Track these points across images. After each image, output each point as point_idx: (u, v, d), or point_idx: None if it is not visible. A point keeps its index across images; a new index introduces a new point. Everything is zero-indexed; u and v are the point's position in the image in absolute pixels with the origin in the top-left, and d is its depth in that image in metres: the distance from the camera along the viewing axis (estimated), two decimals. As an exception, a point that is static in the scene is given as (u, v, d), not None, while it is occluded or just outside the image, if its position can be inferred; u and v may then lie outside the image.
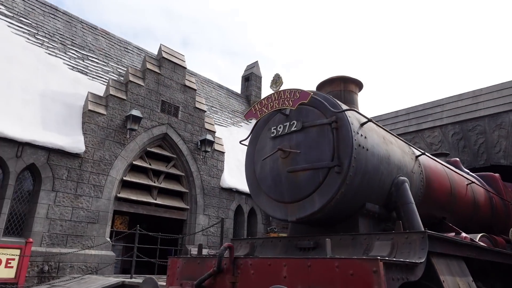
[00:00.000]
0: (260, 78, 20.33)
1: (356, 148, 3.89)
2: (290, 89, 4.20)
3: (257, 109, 4.58)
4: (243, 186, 13.76)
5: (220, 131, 14.74)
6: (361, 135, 4.07)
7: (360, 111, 4.51)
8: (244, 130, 17.16)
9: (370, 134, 4.27)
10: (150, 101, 11.57)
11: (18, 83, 9.53)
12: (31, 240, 7.99)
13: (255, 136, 4.97)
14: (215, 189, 12.81)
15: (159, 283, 6.16)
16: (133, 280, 6.85)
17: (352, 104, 4.90)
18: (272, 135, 4.58)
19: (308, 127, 4.23)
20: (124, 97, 10.89)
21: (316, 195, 3.99)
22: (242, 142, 5.23)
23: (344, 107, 4.31)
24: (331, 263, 2.77)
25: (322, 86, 5.24)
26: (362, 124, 4.21)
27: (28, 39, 10.91)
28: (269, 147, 4.61)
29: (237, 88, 21.28)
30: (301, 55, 70.00)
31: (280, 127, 4.54)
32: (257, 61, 20.48)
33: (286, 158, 4.34)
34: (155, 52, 14.40)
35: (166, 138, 11.88)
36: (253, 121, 16.69)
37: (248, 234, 13.62)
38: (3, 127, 8.24)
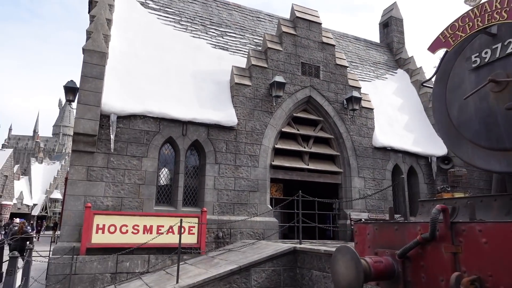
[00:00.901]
0: (401, 20, 17.84)
1: None
2: (505, -6, 3.03)
3: (448, 35, 3.53)
4: (399, 144, 12.38)
5: (364, 87, 13.48)
6: None
7: None
8: (390, 82, 15.42)
9: None
10: (290, 65, 11.19)
11: (173, 68, 10.32)
12: (205, 209, 8.69)
13: (444, 72, 3.91)
14: (367, 149, 11.84)
15: (323, 248, 5.85)
16: (303, 246, 6.70)
17: None
18: (474, 65, 3.48)
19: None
20: (265, 65, 10.77)
21: None
22: (424, 84, 4.24)
23: None
24: None
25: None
26: None
27: (174, 26, 11.72)
28: (469, 82, 3.54)
29: (374, 38, 19.26)
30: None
31: (485, 53, 3.40)
32: (395, 2, 17.96)
33: (501, 92, 3.22)
34: (285, 16, 13.91)
35: (311, 101, 11.40)
36: (400, 72, 14.68)
37: (409, 196, 12.31)
38: (169, 109, 9.03)
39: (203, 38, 11.95)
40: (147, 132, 8.83)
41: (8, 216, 43.69)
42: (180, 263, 6.71)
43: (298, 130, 11.06)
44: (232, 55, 12.01)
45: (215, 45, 11.99)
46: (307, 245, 7.04)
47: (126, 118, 8.60)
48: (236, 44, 12.60)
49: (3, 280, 9.48)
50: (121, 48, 9.79)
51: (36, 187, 57.39)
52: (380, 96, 14.09)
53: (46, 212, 55.49)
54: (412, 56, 16.36)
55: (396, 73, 16.23)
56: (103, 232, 7.69)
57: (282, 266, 6.57)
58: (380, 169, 11.92)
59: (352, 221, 10.36)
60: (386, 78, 15.67)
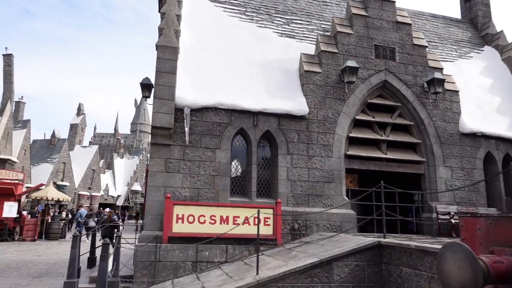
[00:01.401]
0: (488, -9, 15.90)
1: None
2: None
3: None
4: (491, 129, 11.07)
5: (446, 68, 12.24)
6: None
7: None
8: (476, 61, 13.85)
9: None
10: (362, 49, 10.53)
11: (241, 59, 10.28)
12: (279, 200, 8.55)
13: None
14: (453, 136, 10.75)
15: (414, 243, 5.29)
16: (388, 240, 6.22)
17: None
18: None
19: None
20: (336, 50, 10.25)
21: None
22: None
23: None
24: None
25: None
26: None
27: (240, 17, 11.68)
28: None
29: (454, 14, 17.41)
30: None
31: None
32: (479, -29, 16.03)
33: None
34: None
35: (386, 86, 10.63)
36: (488, 49, 13.08)
37: (506, 187, 10.95)
38: (240, 101, 9.01)
39: (269, 27, 11.75)
40: (219, 124, 8.90)
41: (97, 205, 48.28)
42: (259, 254, 6.64)
43: (373, 117, 10.39)
44: (300, 42, 11.64)
45: (281, 33, 11.72)
46: (392, 239, 6.53)
47: (198, 111, 8.76)
48: (303, 31, 12.19)
49: (97, 264, 10.33)
50: (190, 43, 9.99)
51: (119, 180, 62.61)
52: (465, 77, 12.71)
53: (129, 203, 60.33)
54: (502, 31, 14.50)
55: (482, 50, 14.54)
56: (182, 222, 7.93)
57: (366, 261, 6.17)
58: (469, 158, 10.76)
59: (439, 214, 9.50)
60: (471, 57, 14.10)
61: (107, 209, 27.70)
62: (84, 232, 15.23)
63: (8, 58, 36.48)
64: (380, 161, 10.26)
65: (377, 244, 6.19)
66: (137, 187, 64.10)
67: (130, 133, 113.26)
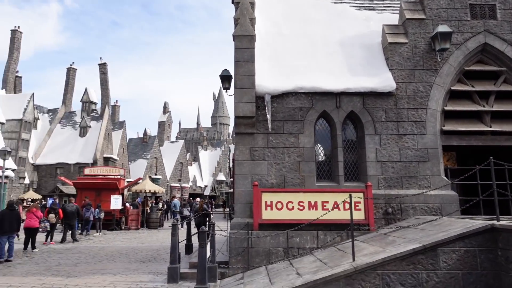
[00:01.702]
0: None
1: None
2: None
3: None
4: None
5: None
6: None
7: None
8: None
9: None
10: (455, 10, 9.36)
11: (318, 39, 9.89)
12: (369, 183, 8.11)
13: None
14: None
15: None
16: (504, 223, 5.47)
17: None
18: None
19: None
20: (423, 16, 9.28)
21: None
22: None
23: None
24: None
25: None
26: None
27: (314, -4, 11.22)
28: None
29: None
30: None
31: None
32: None
33: None
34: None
35: (487, 49, 9.34)
36: None
37: None
38: (320, 82, 8.70)
39: (346, 2, 11.10)
40: (300, 108, 8.71)
41: (187, 196, 51.82)
42: (351, 240, 6.38)
43: (472, 86, 9.23)
44: (380, 13, 10.81)
45: (359, 6, 11.01)
46: (508, 221, 5.74)
47: (279, 97, 8.66)
48: (383, 0, 11.29)
49: (193, 251, 11.00)
50: (265, 29, 9.89)
51: (204, 171, 66.33)
52: None
53: (215, 192, 63.69)
54: None
55: None
56: (271, 209, 7.98)
57: (477, 246, 5.52)
58: None
59: None
60: None
61: (198, 199, 29.51)
62: (179, 221, 16.42)
63: (103, 67, 40.66)
64: (484, 135, 9.12)
65: (489, 227, 5.49)
66: (221, 177, 67.27)
67: (211, 126, 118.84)
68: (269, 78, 8.63)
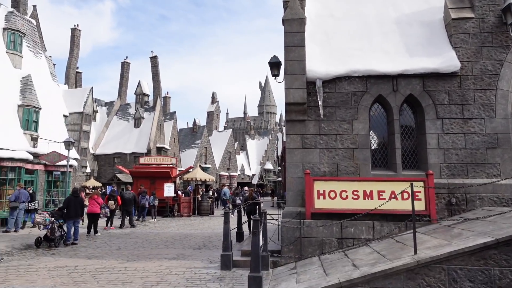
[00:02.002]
0: None
1: None
2: None
3: None
4: None
5: None
6: None
7: None
8: None
9: None
10: (531, -22, 8.33)
11: (372, 19, 9.32)
12: (430, 172, 7.56)
13: None
14: None
15: None
16: None
17: None
18: None
19: None
20: (492, -13, 8.37)
21: None
22: None
23: None
24: None
25: None
26: None
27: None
28: None
29: None
30: None
31: None
32: None
33: None
34: None
35: None
36: None
37: None
38: (375, 65, 8.21)
39: (402, -22, 10.33)
40: (354, 93, 8.29)
41: (235, 184, 52.69)
42: (411, 232, 5.98)
43: (551, 62, 8.22)
44: (441, -13, 9.93)
45: (417, -19, 10.19)
46: None
47: (331, 82, 8.30)
48: (444, -27, 10.36)
49: (244, 238, 11.07)
50: (316, 11, 9.50)
51: (252, 160, 66.92)
52: None
53: (263, 181, 64.12)
54: None
55: None
56: (324, 198, 7.74)
57: (562, 242, 4.91)
58: None
59: None
60: None
61: (246, 188, 29.85)
62: (230, 209, 16.65)
63: (154, 60, 42.07)
64: None
65: None
66: (268, 166, 67.48)
67: (257, 115, 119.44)
68: (321, 63, 8.30)
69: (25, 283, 6.62)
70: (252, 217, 6.40)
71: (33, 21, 20.86)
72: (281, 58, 8.81)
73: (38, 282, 6.66)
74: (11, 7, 19.74)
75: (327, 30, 9.02)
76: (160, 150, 40.49)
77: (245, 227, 11.49)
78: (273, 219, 8.57)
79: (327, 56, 8.48)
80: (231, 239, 7.84)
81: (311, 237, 7.63)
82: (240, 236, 11.00)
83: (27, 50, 19.31)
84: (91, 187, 31.08)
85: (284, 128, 34.50)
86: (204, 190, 29.07)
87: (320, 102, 8.10)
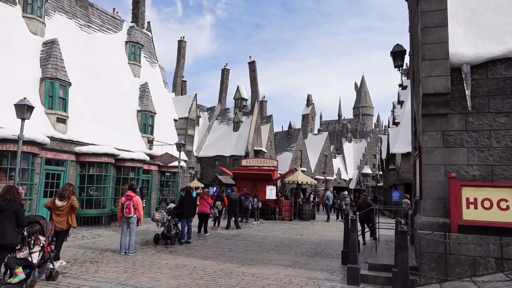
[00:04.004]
0: None
1: None
2: None
3: None
4: None
5: None
6: None
7: None
8: None
9: None
10: None
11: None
12: None
13: None
14: None
15: None
16: None
17: None
18: None
19: None
20: None
21: None
22: None
23: None
24: None
25: None
26: None
27: None
28: None
29: None
30: None
31: None
32: None
33: None
34: None
35: None
36: None
37: None
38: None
39: None
40: (512, 79, 6.68)
41: (331, 188, 50.91)
42: None
43: None
44: None
45: None
46: None
47: (481, 67, 6.83)
48: None
49: (360, 250, 10.00)
50: (454, -13, 8.04)
51: (349, 164, 64.14)
52: None
53: (360, 186, 60.85)
54: None
55: None
56: (475, 208, 6.33)
57: None
58: None
59: None
60: None
61: (345, 192, 28.30)
62: (334, 213, 15.59)
63: (252, 65, 43.00)
64: None
65: None
66: (367, 170, 63.89)
67: (353, 117, 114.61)
68: (466, 44, 6.89)
69: (151, 280, 6.65)
70: (399, 228, 5.38)
71: (149, 33, 22.70)
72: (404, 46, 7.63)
73: (163, 281, 6.63)
74: (131, 22, 21.76)
75: (471, 6, 7.51)
76: (257, 153, 41.12)
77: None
78: (389, 228, 7.34)
79: (475, 36, 7.01)
80: (355, 250, 6.91)
81: (460, 255, 6.27)
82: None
83: (144, 60, 21.04)
84: (199, 187, 32.81)
85: (389, 130, 31.92)
86: (303, 194, 28.31)
87: (467, 92, 6.70)
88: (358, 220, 11.73)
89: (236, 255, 9.39)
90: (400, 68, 9.47)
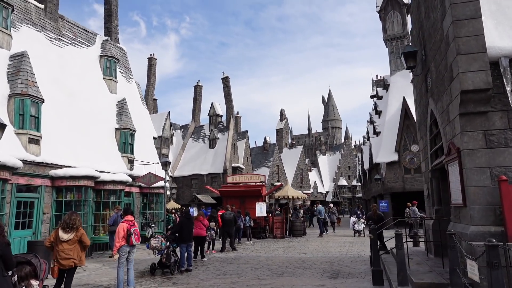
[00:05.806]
0: None
1: None
2: None
3: None
4: None
5: None
6: None
7: None
8: None
9: None
10: None
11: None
12: None
13: None
14: None
15: None
16: None
17: None
18: None
19: None
20: None
21: None
22: None
23: None
24: None
25: None
26: None
27: None
28: None
29: None
30: None
31: None
32: None
33: None
34: None
35: None
36: None
37: None
38: None
39: None
40: (549, 73, 6.29)
41: (309, 203, 50.46)
42: None
43: None
44: None
45: None
46: None
47: (517, 61, 6.41)
48: None
49: (386, 266, 9.22)
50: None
51: (325, 176, 64.31)
52: None
53: (337, 198, 61.00)
54: None
55: None
56: (532, 213, 5.75)
57: None
58: None
59: None
60: None
61: (331, 204, 27.75)
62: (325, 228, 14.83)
63: (225, 80, 42.34)
64: None
65: None
66: (343, 182, 64.33)
67: (322, 130, 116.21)
68: (503, 35, 6.47)
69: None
70: (487, 241, 4.69)
71: (124, 48, 21.48)
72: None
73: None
74: (104, 36, 20.49)
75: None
76: (235, 170, 40.02)
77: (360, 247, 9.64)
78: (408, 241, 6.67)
79: (507, 29, 6.62)
80: (405, 270, 6.12)
81: (521, 266, 5.63)
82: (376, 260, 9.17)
83: (120, 76, 19.76)
84: (172, 209, 31.14)
85: (371, 139, 31.96)
86: (292, 209, 27.45)
87: (508, 88, 6.23)
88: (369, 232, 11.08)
89: (250, 282, 8.35)
90: (412, 70, 9.03)
